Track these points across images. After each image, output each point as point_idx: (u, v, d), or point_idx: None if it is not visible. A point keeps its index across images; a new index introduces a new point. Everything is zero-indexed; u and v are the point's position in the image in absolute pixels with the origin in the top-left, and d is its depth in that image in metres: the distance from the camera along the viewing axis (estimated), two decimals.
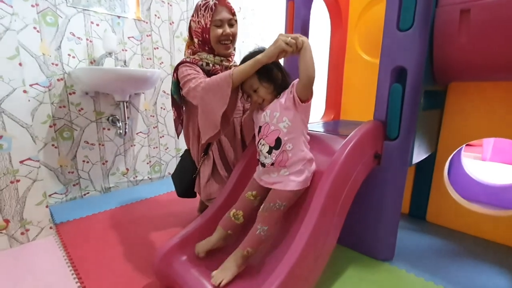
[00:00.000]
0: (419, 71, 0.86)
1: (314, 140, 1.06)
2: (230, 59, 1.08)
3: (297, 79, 0.78)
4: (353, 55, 1.43)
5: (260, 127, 0.84)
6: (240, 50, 2.21)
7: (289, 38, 0.77)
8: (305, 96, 0.78)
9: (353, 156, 0.81)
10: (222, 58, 1.04)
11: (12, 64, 1.00)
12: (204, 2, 0.99)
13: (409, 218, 1.32)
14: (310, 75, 0.75)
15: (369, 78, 1.25)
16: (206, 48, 1.04)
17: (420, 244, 1.12)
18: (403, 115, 0.88)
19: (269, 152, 0.80)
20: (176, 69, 1.03)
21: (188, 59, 1.03)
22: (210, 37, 1.01)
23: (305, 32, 1.10)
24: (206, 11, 0.98)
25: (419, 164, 1.22)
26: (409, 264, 0.98)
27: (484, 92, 1.09)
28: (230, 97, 0.82)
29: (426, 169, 1.24)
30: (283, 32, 1.16)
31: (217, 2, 0.98)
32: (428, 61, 0.95)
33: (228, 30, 1.00)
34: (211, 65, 1.03)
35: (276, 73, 0.81)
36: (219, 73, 1.00)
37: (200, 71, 1.00)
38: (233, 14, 1.03)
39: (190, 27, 1.08)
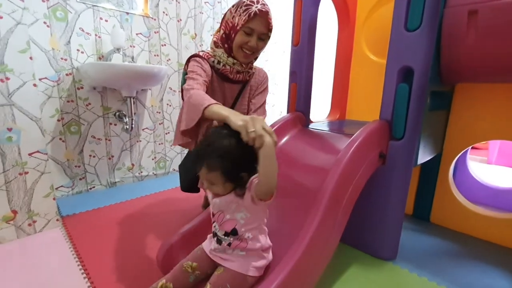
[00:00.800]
0: (426, 71, 0.86)
1: (319, 139, 1.07)
2: (244, 65, 1.02)
3: (256, 178, 0.64)
4: (360, 55, 1.43)
5: (213, 212, 0.72)
6: None
7: (252, 130, 0.60)
8: (266, 198, 0.64)
9: (358, 155, 0.81)
10: (235, 61, 1.00)
11: (23, 57, 1.02)
12: (248, 3, 0.92)
13: (413, 219, 1.31)
14: (270, 186, 0.62)
15: (376, 78, 1.25)
16: (226, 45, 0.99)
17: (423, 245, 1.12)
18: (409, 115, 0.88)
19: (226, 235, 0.69)
20: (188, 61, 1.01)
21: (201, 53, 1.01)
22: (234, 38, 0.96)
23: (312, 31, 1.11)
24: (245, 14, 0.92)
25: (424, 164, 1.22)
26: (412, 264, 0.98)
27: (491, 94, 1.09)
28: (196, 125, 0.78)
29: (431, 170, 1.24)
30: (290, 31, 1.16)
31: (259, 11, 0.91)
32: (435, 61, 0.95)
33: (254, 42, 0.95)
34: (221, 64, 1.00)
35: (244, 176, 0.66)
36: (228, 74, 1.01)
37: (207, 69, 0.97)
38: (269, 30, 0.97)
39: (224, 16, 1.02)
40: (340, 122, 1.41)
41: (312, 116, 1.25)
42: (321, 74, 2.73)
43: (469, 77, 1.02)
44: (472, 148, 1.65)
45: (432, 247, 1.10)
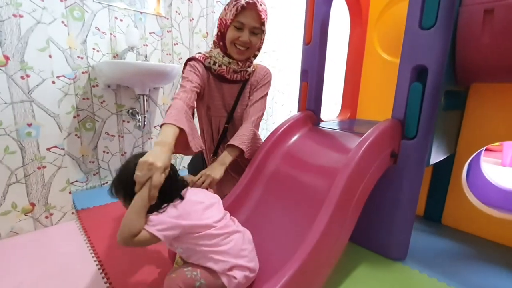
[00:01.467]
0: (440, 70, 0.85)
1: (329, 137, 1.07)
2: (241, 64, 0.99)
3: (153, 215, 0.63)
4: (372, 54, 1.42)
5: None
6: None
7: (137, 173, 0.63)
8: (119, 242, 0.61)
9: (369, 154, 0.81)
10: (230, 60, 0.97)
11: (42, 55, 1.05)
12: None
13: (424, 221, 1.30)
14: (121, 231, 0.60)
15: (388, 78, 1.23)
16: (221, 43, 0.98)
17: (434, 246, 1.10)
18: (422, 115, 0.87)
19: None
20: (185, 64, 1.01)
21: (197, 55, 1.00)
22: (226, 35, 0.95)
23: (324, 30, 1.10)
24: (233, 8, 0.90)
25: (436, 165, 1.20)
26: (422, 265, 0.97)
27: (507, 94, 1.06)
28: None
29: (444, 170, 1.22)
30: (302, 29, 1.16)
31: (247, 4, 0.88)
32: (450, 60, 0.93)
33: (246, 37, 0.92)
34: (217, 64, 0.98)
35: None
36: (224, 75, 0.99)
37: (201, 73, 0.97)
38: (262, 23, 0.93)
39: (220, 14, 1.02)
40: (350, 121, 1.41)
41: (322, 115, 1.25)
42: (333, 72, 2.71)
43: (485, 77, 1.00)
44: (486, 150, 1.62)
45: (443, 248, 1.09)
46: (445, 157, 1.11)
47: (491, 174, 1.41)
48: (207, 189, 0.85)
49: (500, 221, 1.12)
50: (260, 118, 1.06)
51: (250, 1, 0.88)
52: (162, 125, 0.79)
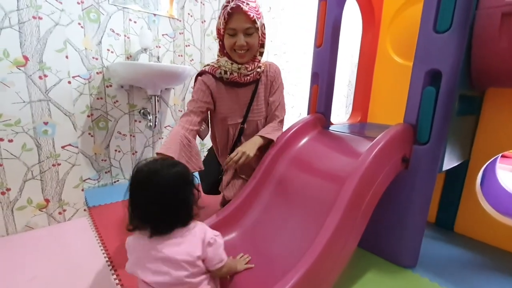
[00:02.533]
0: (455, 75, 0.83)
1: (339, 141, 1.06)
2: (250, 65, 1.00)
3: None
4: (384, 57, 1.41)
5: None
6: (268, 51, 2.23)
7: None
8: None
9: (380, 158, 0.80)
10: (239, 66, 0.98)
11: (60, 56, 1.09)
12: (224, 4, 0.92)
13: (435, 228, 1.27)
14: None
15: (400, 81, 1.22)
16: (224, 51, 1.00)
17: (445, 254, 1.08)
18: (435, 119, 0.86)
19: None
20: (196, 79, 1.04)
21: (207, 67, 1.02)
22: (224, 44, 0.97)
23: (336, 33, 1.10)
24: (222, 17, 0.92)
25: (449, 171, 1.18)
26: (433, 273, 0.95)
27: None
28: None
29: (457, 177, 1.19)
30: (314, 32, 1.16)
31: (231, 10, 0.89)
32: (465, 65, 0.91)
33: (242, 41, 0.92)
34: (228, 73, 0.99)
35: None
36: (236, 80, 1.01)
37: (210, 86, 1.00)
38: (253, 21, 0.92)
39: None
40: (361, 125, 1.39)
41: (333, 118, 1.24)
42: (344, 75, 2.69)
43: (501, 82, 0.97)
44: (502, 156, 1.57)
45: (454, 256, 1.06)
46: (458, 163, 1.08)
47: (507, 181, 1.36)
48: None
49: None
50: (284, 117, 1.12)
51: (235, 5, 0.89)
52: (157, 153, 0.85)
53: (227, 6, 0.91)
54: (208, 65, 1.04)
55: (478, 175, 1.16)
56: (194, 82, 1.05)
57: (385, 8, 1.37)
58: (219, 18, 0.96)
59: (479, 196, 1.17)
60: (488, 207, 1.16)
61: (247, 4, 0.90)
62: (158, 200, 0.57)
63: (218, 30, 0.98)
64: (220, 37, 0.99)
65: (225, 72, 0.99)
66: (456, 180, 1.20)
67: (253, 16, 0.91)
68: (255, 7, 0.92)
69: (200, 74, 1.02)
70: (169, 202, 0.58)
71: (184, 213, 0.60)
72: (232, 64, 0.98)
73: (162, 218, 0.58)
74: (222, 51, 1.01)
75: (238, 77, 1.00)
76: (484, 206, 1.15)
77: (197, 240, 0.60)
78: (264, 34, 1.00)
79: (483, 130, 1.13)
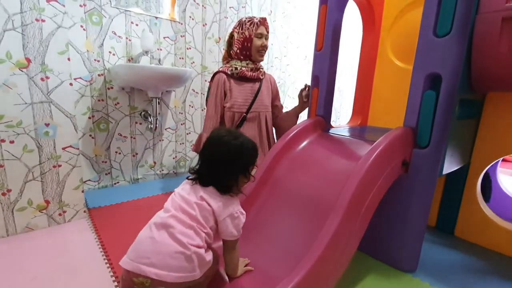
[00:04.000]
0: (455, 79, 0.83)
1: (339, 144, 1.06)
2: (255, 64, 1.33)
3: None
4: (384, 60, 1.41)
5: None
6: (268, 53, 2.23)
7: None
8: None
9: (380, 162, 0.80)
10: (248, 61, 1.31)
11: (62, 58, 1.09)
12: (249, 19, 1.28)
13: (436, 231, 1.26)
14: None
15: (400, 85, 1.22)
16: (242, 56, 1.31)
17: (446, 258, 1.07)
18: (435, 123, 0.86)
19: None
20: (212, 78, 1.34)
21: (221, 68, 1.32)
22: (252, 46, 1.29)
23: (336, 36, 1.10)
24: (251, 26, 1.27)
25: (450, 175, 1.17)
26: (433, 278, 0.94)
27: None
28: None
29: (458, 181, 1.19)
30: (314, 35, 1.17)
31: (260, 21, 1.28)
32: (465, 69, 0.91)
33: (266, 42, 1.31)
34: (238, 68, 1.29)
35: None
36: (246, 73, 1.31)
37: (225, 83, 1.30)
38: (268, 32, 1.33)
39: (231, 37, 1.35)
40: (361, 128, 1.39)
41: (334, 122, 1.24)
42: (344, 79, 2.69)
43: (502, 87, 0.97)
44: (504, 160, 1.56)
45: (455, 261, 1.06)
46: (459, 167, 1.08)
47: (508, 186, 1.36)
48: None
49: None
50: None
51: (261, 19, 1.29)
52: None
53: (253, 19, 1.29)
54: (222, 67, 1.35)
55: (478, 179, 1.15)
56: (211, 81, 1.36)
57: (386, 11, 1.38)
58: (241, 28, 1.29)
59: (479, 200, 1.16)
60: (488, 212, 1.16)
61: (266, 20, 1.31)
62: (211, 157, 0.68)
63: (243, 37, 1.29)
64: (246, 42, 1.29)
65: (236, 68, 1.30)
66: (457, 184, 1.19)
67: (269, 28, 1.31)
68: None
69: (215, 73, 1.34)
70: (217, 163, 0.67)
71: (224, 179, 0.68)
72: (241, 62, 1.31)
73: (206, 172, 0.68)
74: (240, 53, 1.32)
75: (246, 71, 1.30)
76: (484, 211, 1.15)
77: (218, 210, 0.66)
78: None
79: (484, 134, 1.13)
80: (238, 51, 1.32)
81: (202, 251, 0.62)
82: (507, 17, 0.82)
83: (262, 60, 1.34)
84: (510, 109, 1.06)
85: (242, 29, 1.29)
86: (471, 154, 1.16)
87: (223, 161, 0.67)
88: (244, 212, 0.71)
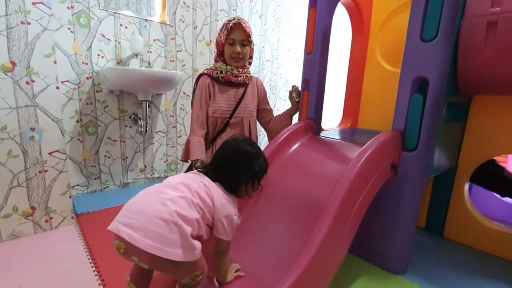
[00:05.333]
0: (441, 82, 0.85)
1: (329, 147, 1.07)
2: (240, 70, 1.22)
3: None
4: (373, 64, 1.43)
5: None
6: (259, 56, 2.24)
7: None
8: None
9: (369, 165, 0.81)
10: (232, 67, 1.20)
11: (48, 61, 1.07)
12: (226, 21, 1.17)
13: (425, 233, 1.28)
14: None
15: (389, 88, 1.24)
16: (221, 58, 1.23)
17: (435, 259, 1.08)
18: (423, 126, 0.87)
19: None
20: (197, 79, 1.24)
21: (206, 71, 1.23)
22: (224, 51, 1.19)
23: (326, 40, 1.11)
24: (224, 30, 1.16)
25: (438, 177, 1.19)
26: (423, 279, 0.95)
27: (510, 107, 1.05)
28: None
29: (446, 183, 1.21)
30: (302, 39, 1.17)
31: (234, 25, 1.14)
32: (451, 72, 0.93)
33: (238, 49, 1.16)
34: (223, 72, 1.20)
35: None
36: (230, 79, 1.20)
37: (209, 86, 1.21)
38: (248, 36, 1.16)
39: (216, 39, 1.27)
40: (351, 131, 1.40)
41: (325, 125, 1.25)
42: (334, 82, 2.72)
43: (487, 89, 0.99)
44: None
45: (444, 262, 1.07)
46: (447, 169, 1.10)
47: None
48: None
49: (503, 235, 1.10)
50: None
51: (237, 22, 1.14)
52: (192, 160, 1.12)
53: (229, 22, 1.15)
54: (207, 69, 1.24)
55: (466, 181, 1.17)
56: (196, 83, 1.24)
57: (374, 15, 1.40)
58: (221, 31, 1.18)
59: (467, 202, 1.18)
60: (476, 212, 1.18)
61: (244, 23, 1.15)
62: (228, 154, 0.72)
63: (218, 41, 1.20)
64: (220, 47, 1.20)
65: (221, 72, 1.20)
66: (444, 185, 1.21)
67: (249, 32, 1.16)
68: (249, 27, 1.18)
69: (200, 75, 1.24)
70: (233, 161, 0.71)
71: (234, 179, 0.70)
72: (226, 66, 1.21)
73: (218, 169, 0.71)
74: (219, 57, 1.23)
75: (231, 76, 1.20)
76: (472, 212, 1.17)
77: (218, 206, 0.66)
78: (253, 49, 1.24)
79: (470, 137, 1.15)
80: (217, 52, 1.24)
81: (187, 228, 0.57)
82: (492, 22, 0.84)
83: (239, 66, 1.22)
84: (496, 112, 1.09)
85: (221, 32, 1.19)
86: (459, 156, 1.18)
87: (239, 161, 0.70)
88: (240, 216, 0.71)
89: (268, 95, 1.47)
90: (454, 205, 1.21)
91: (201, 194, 0.64)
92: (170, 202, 0.58)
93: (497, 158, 1.22)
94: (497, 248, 1.11)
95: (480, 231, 1.15)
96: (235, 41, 1.16)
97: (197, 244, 0.60)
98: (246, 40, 1.17)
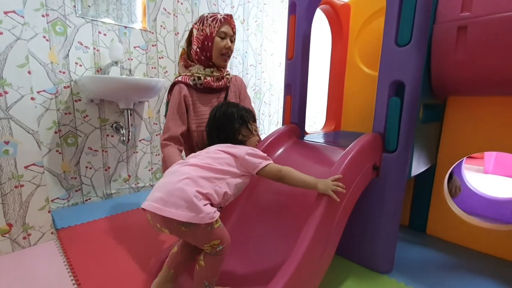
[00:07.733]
0: (417, 85, 0.88)
1: (313, 151, 1.08)
2: (222, 70, 1.13)
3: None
4: (353, 67, 1.46)
5: None
6: (243, 61, 2.25)
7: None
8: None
9: (352, 167, 0.82)
10: (212, 69, 1.09)
11: (21, 72, 1.03)
12: (211, 14, 1.06)
13: (409, 230, 1.31)
14: None
15: (369, 90, 1.27)
16: (203, 58, 1.07)
17: (420, 257, 1.11)
18: (402, 128, 0.89)
19: None
20: (170, 89, 1.09)
21: (180, 78, 1.07)
22: (212, 46, 1.05)
23: (306, 45, 1.13)
24: (214, 22, 1.04)
25: (419, 176, 1.23)
26: (409, 277, 0.97)
27: (484, 106, 1.10)
28: None
29: (426, 181, 1.25)
30: (284, 44, 1.19)
31: (224, 18, 1.06)
32: (426, 75, 0.97)
33: (230, 44, 1.08)
34: (202, 78, 1.07)
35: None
36: (211, 85, 1.08)
37: (185, 95, 1.06)
38: (234, 33, 1.11)
39: (191, 34, 1.12)
40: (335, 134, 1.42)
41: (311, 127, 1.26)
42: (318, 85, 2.76)
43: (460, 91, 1.04)
44: (468, 157, 1.66)
45: (428, 259, 1.10)
46: (426, 168, 1.14)
47: (474, 182, 1.44)
48: None
49: (483, 230, 1.14)
50: None
51: (226, 16, 1.06)
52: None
53: (216, 15, 1.05)
54: (180, 75, 1.10)
55: (445, 178, 1.21)
56: (169, 93, 1.10)
57: (352, 21, 1.44)
58: (202, 24, 1.06)
59: (447, 198, 1.22)
60: (456, 208, 1.22)
61: (232, 18, 1.09)
62: (213, 123, 0.84)
63: (203, 35, 1.06)
64: (207, 41, 1.05)
65: (199, 78, 1.07)
66: (425, 184, 1.25)
67: (235, 29, 1.10)
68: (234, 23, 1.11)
69: (173, 84, 1.08)
70: (218, 123, 0.83)
71: (232, 134, 0.82)
72: (204, 69, 1.08)
73: (213, 135, 0.84)
74: (200, 58, 1.08)
75: (212, 81, 1.08)
76: (452, 208, 1.21)
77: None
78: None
79: (447, 136, 1.19)
80: (198, 50, 1.07)
81: (190, 190, 0.64)
82: (462, 26, 0.88)
83: (224, 66, 1.11)
84: (470, 111, 1.14)
85: (203, 26, 1.05)
86: (437, 155, 1.22)
87: (225, 117, 0.82)
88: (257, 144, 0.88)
89: (252, 99, 1.44)
90: (435, 202, 1.25)
91: (211, 155, 0.74)
92: (179, 173, 0.68)
93: (474, 155, 1.26)
94: (478, 243, 1.16)
95: (460, 227, 1.19)
96: (226, 34, 1.06)
97: (206, 208, 0.64)
98: (233, 36, 1.10)
